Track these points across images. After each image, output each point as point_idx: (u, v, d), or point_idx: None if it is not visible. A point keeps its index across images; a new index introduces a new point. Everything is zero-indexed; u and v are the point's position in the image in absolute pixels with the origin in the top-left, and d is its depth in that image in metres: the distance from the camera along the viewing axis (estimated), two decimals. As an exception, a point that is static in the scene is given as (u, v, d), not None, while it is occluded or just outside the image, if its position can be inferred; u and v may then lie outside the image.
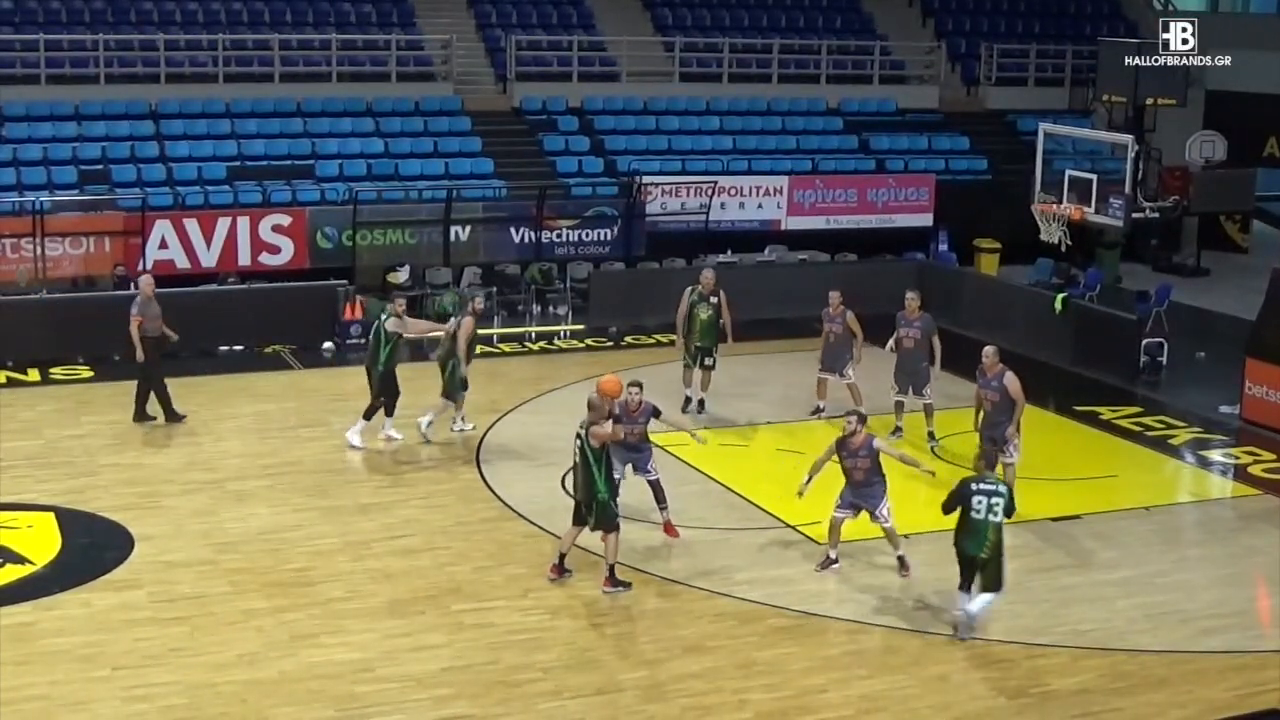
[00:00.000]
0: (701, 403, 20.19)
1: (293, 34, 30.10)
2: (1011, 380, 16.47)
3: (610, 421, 14.26)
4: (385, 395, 18.52)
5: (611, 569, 14.24)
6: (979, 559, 13.14)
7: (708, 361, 20.09)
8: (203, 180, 26.72)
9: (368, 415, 18.55)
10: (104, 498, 16.47)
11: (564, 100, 30.90)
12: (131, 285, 23.79)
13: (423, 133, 29.15)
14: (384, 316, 18.62)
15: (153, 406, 19.35)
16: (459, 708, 11.93)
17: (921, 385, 18.84)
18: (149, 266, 24.54)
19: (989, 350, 16.69)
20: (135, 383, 19.35)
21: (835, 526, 14.96)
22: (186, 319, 21.87)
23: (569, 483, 14.29)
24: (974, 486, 13.20)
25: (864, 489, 14.74)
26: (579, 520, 14.35)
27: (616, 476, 15.57)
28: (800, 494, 14.91)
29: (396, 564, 14.81)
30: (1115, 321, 23.62)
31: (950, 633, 13.36)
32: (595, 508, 14.09)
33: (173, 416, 19.33)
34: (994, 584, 13.29)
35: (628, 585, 14.27)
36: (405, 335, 18.69)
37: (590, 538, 14.55)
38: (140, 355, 19.06)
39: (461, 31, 31.79)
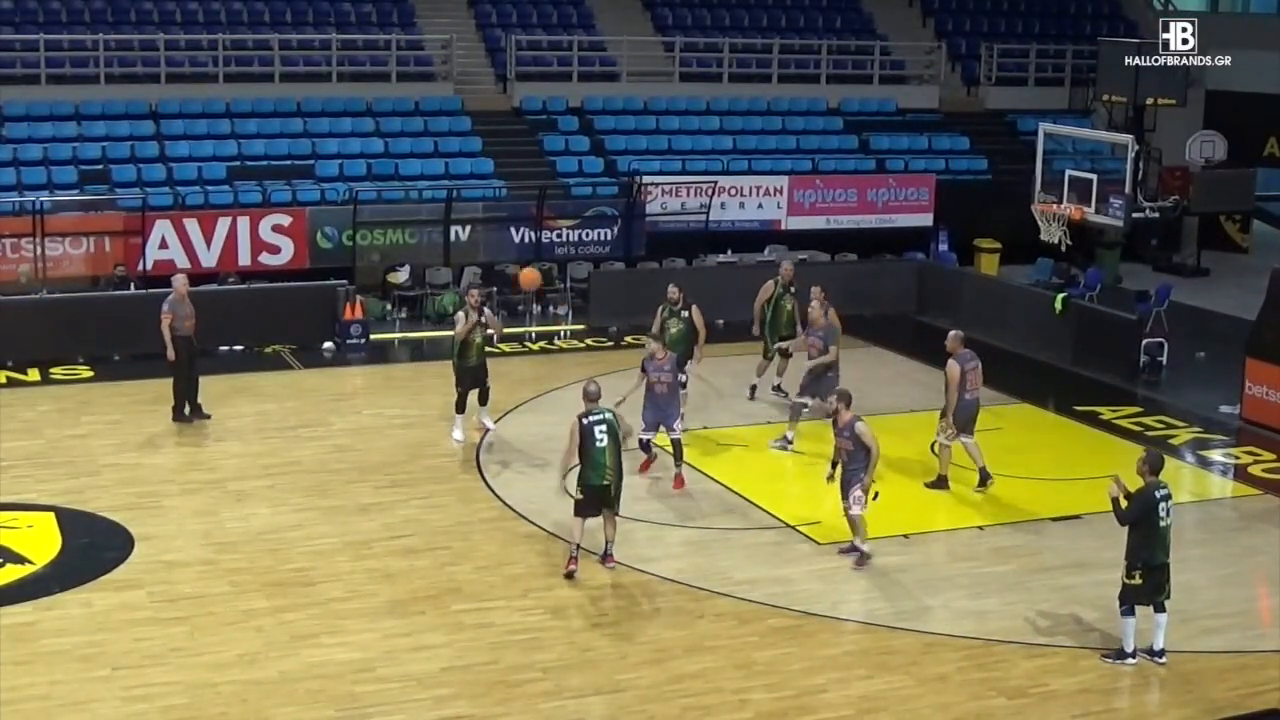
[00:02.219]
0: (779, 387, 20.68)
1: (293, 34, 30.09)
2: (950, 366, 16.86)
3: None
4: (463, 386, 18.66)
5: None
6: (1167, 565, 12.82)
7: (789, 350, 20.52)
8: (203, 180, 26.71)
9: (458, 408, 18.73)
10: (104, 498, 16.47)
11: (564, 100, 30.89)
12: (131, 286, 23.89)
13: (423, 133, 29.15)
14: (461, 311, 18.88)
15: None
16: (459, 708, 11.93)
17: (825, 393, 18.09)
18: (149, 266, 24.58)
19: (952, 334, 17.18)
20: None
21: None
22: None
23: (591, 475, 14.29)
24: (1158, 495, 12.77)
25: (847, 470, 14.91)
26: (591, 510, 14.44)
27: (644, 437, 17.00)
28: (829, 479, 15.22)
29: (396, 564, 14.81)
30: (1115, 321, 23.60)
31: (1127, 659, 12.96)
32: (619, 488, 14.46)
33: (197, 413, 19.42)
34: (1169, 593, 12.98)
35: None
36: (457, 331, 18.54)
37: (596, 540, 14.59)
38: (171, 354, 19.11)
39: (461, 31, 31.79)
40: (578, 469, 14.58)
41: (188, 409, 19.41)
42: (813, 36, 33.69)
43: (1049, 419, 20.61)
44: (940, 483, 17.25)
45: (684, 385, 18.83)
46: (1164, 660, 12.86)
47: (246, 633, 13.17)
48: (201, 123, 28.00)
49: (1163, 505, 12.76)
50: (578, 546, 14.48)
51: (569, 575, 14.39)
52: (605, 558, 14.63)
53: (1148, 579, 12.77)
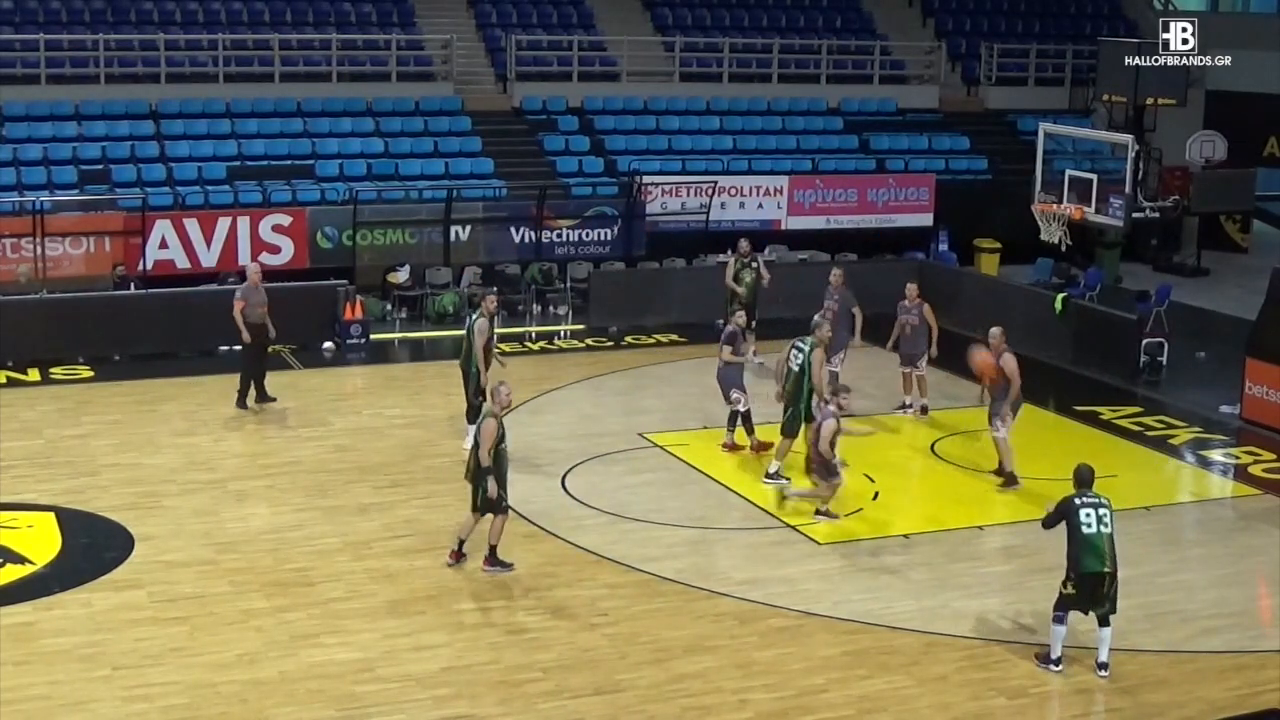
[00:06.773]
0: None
1: (293, 34, 30.09)
2: (1006, 360, 17.07)
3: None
4: (481, 396, 18.00)
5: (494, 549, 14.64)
6: (1105, 574, 12.57)
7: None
8: (203, 180, 26.71)
9: (471, 418, 17.79)
10: (104, 498, 16.46)
11: (564, 100, 30.89)
12: (132, 285, 23.90)
13: (423, 133, 29.15)
14: (474, 316, 18.35)
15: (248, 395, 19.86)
16: (459, 708, 11.93)
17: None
18: (149, 267, 24.57)
19: (995, 330, 17.42)
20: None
21: None
22: (186, 319, 21.88)
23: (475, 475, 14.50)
24: (1078, 501, 12.66)
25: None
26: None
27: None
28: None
29: (396, 564, 14.81)
30: (1115, 321, 23.60)
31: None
32: (475, 491, 14.53)
33: (263, 397, 19.88)
34: (1113, 607, 12.70)
35: (510, 565, 14.59)
36: (479, 342, 17.98)
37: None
38: (246, 337, 19.47)
39: (461, 31, 31.79)
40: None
41: (252, 395, 19.73)
42: (813, 36, 33.70)
43: (1049, 419, 20.59)
44: (1011, 480, 17.26)
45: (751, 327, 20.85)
46: (1106, 674, 12.65)
47: (246, 633, 13.17)
48: (201, 123, 28.00)
49: (1085, 512, 12.57)
50: (461, 542, 14.69)
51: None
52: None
53: (1080, 588, 12.60)
